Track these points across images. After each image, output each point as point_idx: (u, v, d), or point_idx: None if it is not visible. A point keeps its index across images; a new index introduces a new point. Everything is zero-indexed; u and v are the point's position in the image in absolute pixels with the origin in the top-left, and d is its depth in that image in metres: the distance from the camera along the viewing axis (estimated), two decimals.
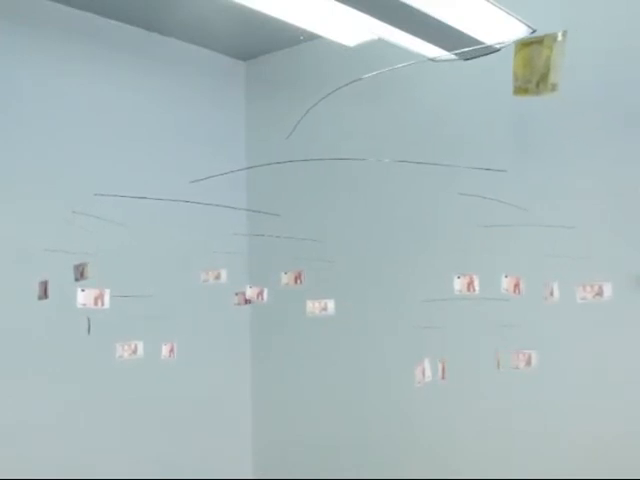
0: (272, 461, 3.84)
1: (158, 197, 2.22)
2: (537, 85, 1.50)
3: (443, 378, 2.04)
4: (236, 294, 2.38)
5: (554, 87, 1.49)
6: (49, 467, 3.00)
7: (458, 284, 1.93)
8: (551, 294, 2.01)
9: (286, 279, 2.32)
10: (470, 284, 1.93)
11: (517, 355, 2.05)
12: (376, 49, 2.73)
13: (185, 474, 3.47)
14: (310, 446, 3.66)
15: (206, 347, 3.61)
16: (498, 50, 2.21)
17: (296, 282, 2.32)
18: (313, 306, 2.24)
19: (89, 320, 2.14)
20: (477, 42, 2.31)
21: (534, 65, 1.50)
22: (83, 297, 1.85)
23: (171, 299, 3.31)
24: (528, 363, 2.05)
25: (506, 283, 1.94)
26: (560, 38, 1.47)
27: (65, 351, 3.09)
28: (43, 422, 3.03)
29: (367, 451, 3.44)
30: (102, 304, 1.88)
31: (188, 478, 3.46)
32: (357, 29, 2.39)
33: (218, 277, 2.37)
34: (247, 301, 2.32)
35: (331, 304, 2.25)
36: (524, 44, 1.52)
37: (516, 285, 1.95)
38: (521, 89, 1.52)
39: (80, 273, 2.00)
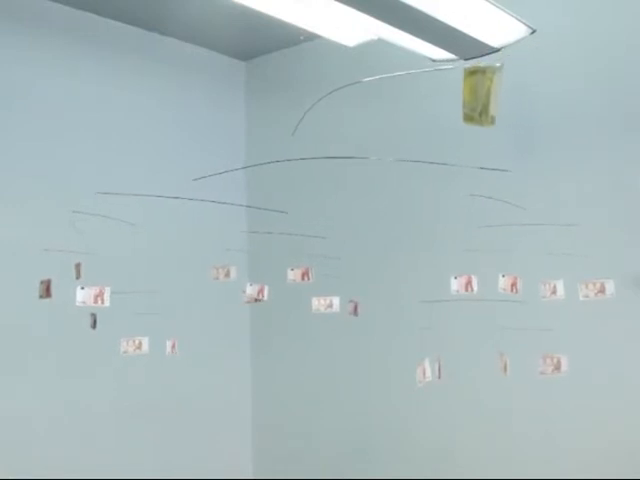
0: (272, 461, 3.84)
1: (159, 195, 2.22)
2: (480, 115, 1.50)
3: (439, 377, 2.03)
4: (244, 292, 2.37)
5: (493, 120, 1.49)
6: (48, 466, 3.00)
7: (455, 284, 1.93)
8: (553, 292, 1.99)
9: (292, 275, 2.30)
10: (468, 284, 1.93)
11: (544, 359, 1.90)
12: (376, 49, 2.73)
13: (185, 474, 3.47)
14: (310, 446, 3.66)
15: (206, 346, 3.61)
16: (498, 50, 2.22)
17: (303, 279, 2.30)
18: (318, 303, 2.24)
19: (95, 316, 2.15)
20: (477, 42, 2.31)
21: (478, 94, 1.50)
22: (82, 295, 1.86)
23: (171, 298, 3.30)
24: (557, 368, 1.89)
25: (503, 283, 1.94)
26: (498, 70, 1.47)
27: (65, 349, 3.10)
28: (42, 421, 3.03)
29: (367, 451, 3.44)
30: (102, 302, 1.88)
31: (188, 478, 3.46)
32: (357, 29, 2.38)
33: (228, 274, 2.35)
34: (257, 300, 2.30)
35: (336, 301, 2.24)
36: (470, 72, 1.52)
37: (513, 284, 1.95)
38: (468, 116, 1.52)
39: (79, 272, 2.01)
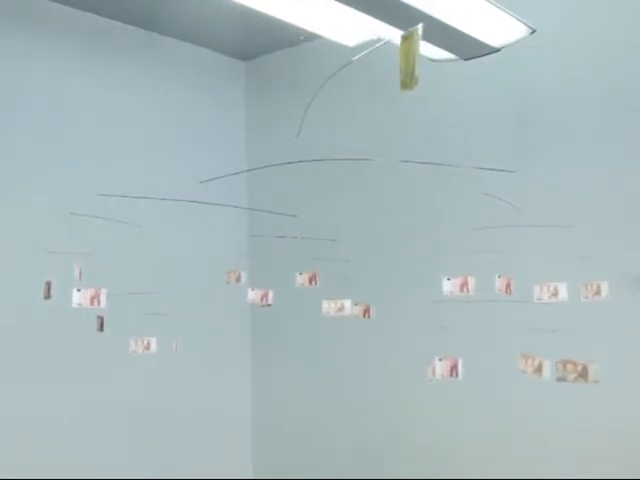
0: (272, 461, 3.84)
1: (158, 197, 2.21)
2: (410, 79, 1.49)
3: (451, 376, 2.00)
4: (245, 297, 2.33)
5: (417, 81, 1.47)
6: (49, 466, 3.00)
7: (448, 285, 1.92)
8: (554, 294, 1.97)
9: (301, 280, 2.25)
10: (464, 285, 1.92)
11: (563, 365, 1.63)
12: (376, 49, 2.73)
13: (185, 474, 3.47)
14: (310, 446, 3.66)
15: (207, 347, 3.61)
16: (498, 50, 2.21)
17: (311, 283, 2.26)
18: (329, 306, 2.18)
19: (102, 319, 2.13)
20: (477, 42, 2.30)
21: (410, 59, 1.49)
22: (78, 297, 1.86)
23: (170, 299, 3.29)
24: (582, 375, 1.60)
25: (499, 283, 1.93)
26: (419, 30, 1.47)
27: (68, 350, 3.10)
28: (44, 421, 3.03)
29: (367, 451, 3.44)
30: (98, 303, 1.88)
31: (188, 478, 3.46)
32: (357, 29, 2.38)
33: (239, 279, 2.33)
34: (269, 305, 2.25)
35: (347, 304, 2.17)
36: (405, 37, 1.51)
37: (507, 285, 1.94)
38: (403, 83, 1.51)
39: (80, 274, 2.01)
